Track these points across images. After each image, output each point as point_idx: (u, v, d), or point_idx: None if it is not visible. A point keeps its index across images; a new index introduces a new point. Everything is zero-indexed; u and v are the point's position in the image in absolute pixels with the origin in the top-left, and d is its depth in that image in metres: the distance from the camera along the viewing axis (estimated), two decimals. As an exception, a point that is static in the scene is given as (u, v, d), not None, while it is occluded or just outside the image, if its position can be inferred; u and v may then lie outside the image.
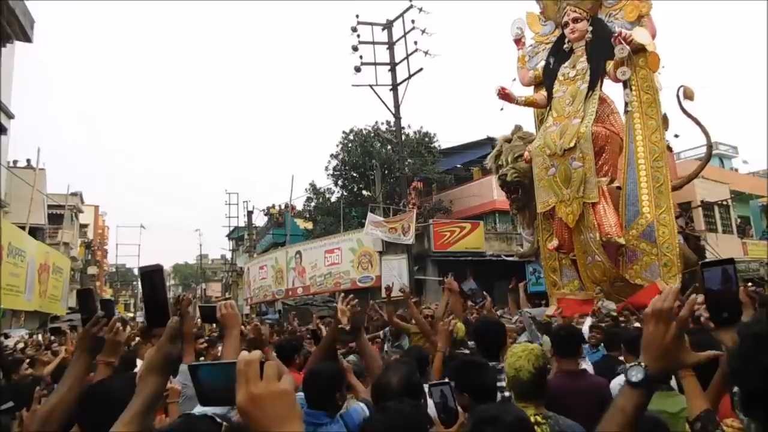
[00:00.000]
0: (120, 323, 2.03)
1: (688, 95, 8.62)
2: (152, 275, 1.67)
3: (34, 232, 22.44)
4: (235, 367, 0.99)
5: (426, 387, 2.34)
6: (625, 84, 8.63)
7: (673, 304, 1.30)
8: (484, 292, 3.94)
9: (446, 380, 2.19)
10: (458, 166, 25.51)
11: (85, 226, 38.35)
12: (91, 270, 37.48)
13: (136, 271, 56.17)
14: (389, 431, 1.74)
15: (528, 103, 9.88)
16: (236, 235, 37.41)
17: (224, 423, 1.25)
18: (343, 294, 3.51)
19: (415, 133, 24.65)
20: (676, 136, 9.38)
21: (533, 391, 2.53)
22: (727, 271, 1.45)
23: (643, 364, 1.31)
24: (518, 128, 10.35)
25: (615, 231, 8.58)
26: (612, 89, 9.27)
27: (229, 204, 34.40)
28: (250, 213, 32.11)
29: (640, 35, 8.42)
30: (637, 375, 1.31)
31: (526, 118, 19.01)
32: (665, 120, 8.60)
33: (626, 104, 8.79)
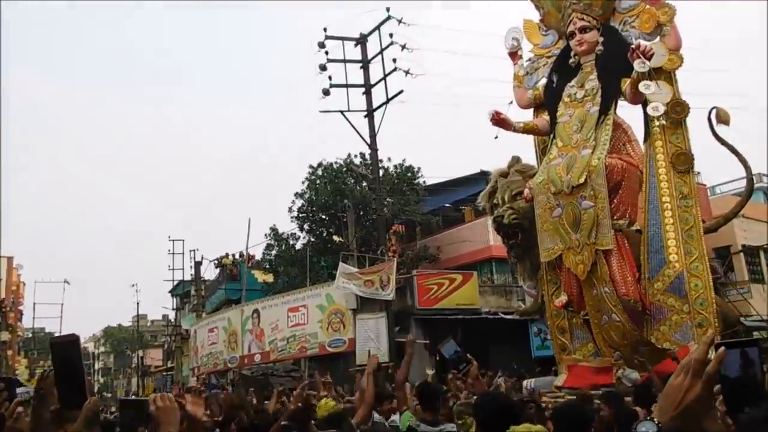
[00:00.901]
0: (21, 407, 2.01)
1: (723, 119, 8.59)
2: (66, 348, 1.71)
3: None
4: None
5: None
6: (645, 105, 8.57)
7: (706, 356, 1.34)
8: (468, 355, 3.75)
9: None
10: (447, 205, 25.58)
11: (-4, 281, 37.30)
12: (2, 336, 36.32)
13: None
14: None
15: (527, 129, 9.83)
16: (181, 291, 36.86)
17: None
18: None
19: (395, 167, 24.75)
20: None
21: None
22: (748, 354, 1.45)
23: (656, 419, 1.39)
24: (516, 160, 10.28)
25: (633, 291, 8.42)
26: (628, 113, 9.23)
27: (173, 253, 33.96)
28: (198, 264, 31.65)
29: (656, 55, 8.34)
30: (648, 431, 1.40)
31: (526, 148, 19.07)
32: (686, 158, 8.50)
33: (647, 129, 8.72)
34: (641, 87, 8.35)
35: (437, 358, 18.54)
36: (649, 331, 8.46)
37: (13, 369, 39.81)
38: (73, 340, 1.73)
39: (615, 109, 9.10)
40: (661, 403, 1.40)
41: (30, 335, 52.24)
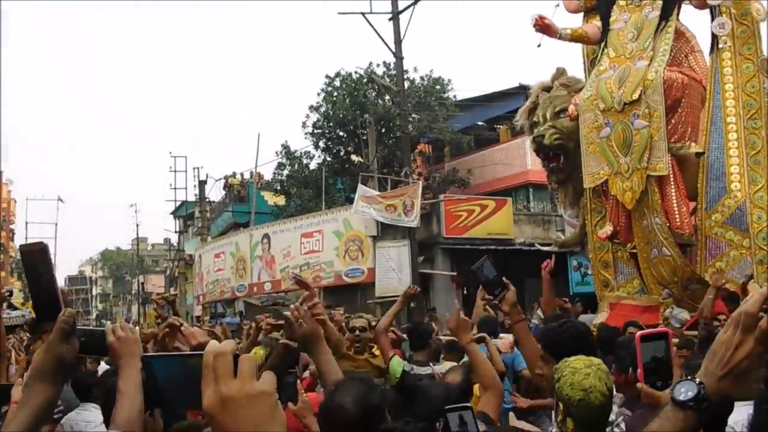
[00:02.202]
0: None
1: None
2: (32, 256, 1.76)
3: None
4: (201, 360, 1.02)
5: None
6: (713, 11, 8.30)
7: (760, 307, 1.32)
8: (504, 279, 3.70)
9: (467, 404, 2.35)
10: (480, 123, 25.34)
11: (-15, 198, 38.04)
12: (-7, 256, 37.27)
13: (52, 258, 56.13)
14: None
15: (575, 37, 9.58)
16: (184, 213, 37.31)
17: None
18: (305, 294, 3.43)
19: (422, 79, 24.50)
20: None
21: (604, 421, 2.59)
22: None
23: (698, 379, 1.34)
24: (561, 72, 10.12)
25: (687, 224, 8.39)
26: (693, 19, 8.98)
27: (175, 171, 34.08)
28: (202, 183, 31.84)
29: None
30: (687, 392, 1.33)
31: (573, 59, 18.66)
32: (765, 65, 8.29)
33: (714, 40, 8.46)
34: None
35: (464, 292, 18.80)
36: (704, 268, 8.45)
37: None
38: (42, 248, 1.77)
39: (677, 14, 8.84)
40: (706, 361, 1.37)
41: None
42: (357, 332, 5.44)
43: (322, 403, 2.48)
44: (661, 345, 1.85)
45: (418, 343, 5.58)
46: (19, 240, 49.10)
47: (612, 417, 2.87)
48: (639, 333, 1.88)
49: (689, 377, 1.36)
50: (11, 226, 45.84)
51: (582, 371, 2.58)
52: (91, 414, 4.42)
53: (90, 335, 2.27)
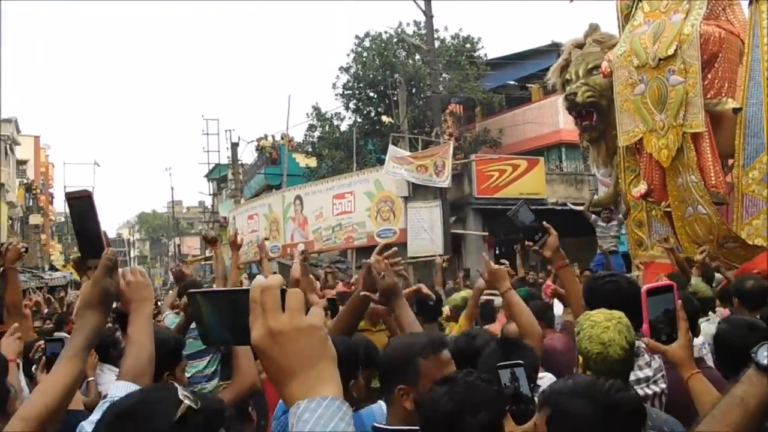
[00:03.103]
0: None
1: None
2: (81, 202, 1.93)
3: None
4: (248, 295, 1.03)
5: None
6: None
7: None
8: (545, 223, 3.60)
9: (519, 360, 2.34)
10: (511, 83, 25.07)
11: (24, 162, 38.81)
12: (34, 219, 38.14)
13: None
14: (459, 409, 1.87)
15: None
16: (217, 175, 37.62)
17: (186, 400, 1.25)
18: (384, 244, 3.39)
19: (452, 38, 24.32)
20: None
21: (624, 375, 2.52)
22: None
23: None
24: (594, 28, 10.05)
25: (721, 183, 8.29)
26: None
27: (208, 134, 34.30)
28: (234, 146, 32.03)
29: None
30: None
31: (606, 15, 18.31)
32: None
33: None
34: None
35: (496, 251, 18.80)
36: (740, 226, 8.30)
37: (48, 254, 42.07)
38: (87, 194, 1.95)
39: (715, -36, 8.64)
40: None
41: (62, 219, 54.66)
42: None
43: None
44: (668, 298, 1.85)
45: (430, 315, 5.52)
46: (58, 204, 50.08)
47: (648, 372, 2.86)
48: (645, 287, 1.88)
49: None
50: (50, 190, 46.69)
51: (601, 324, 2.56)
52: (105, 376, 4.22)
53: (92, 237, 2.29)
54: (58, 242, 51.23)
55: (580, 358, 2.61)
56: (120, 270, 2.08)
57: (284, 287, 1.03)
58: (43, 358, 3.23)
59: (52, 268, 33.78)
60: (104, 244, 1.91)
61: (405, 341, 2.49)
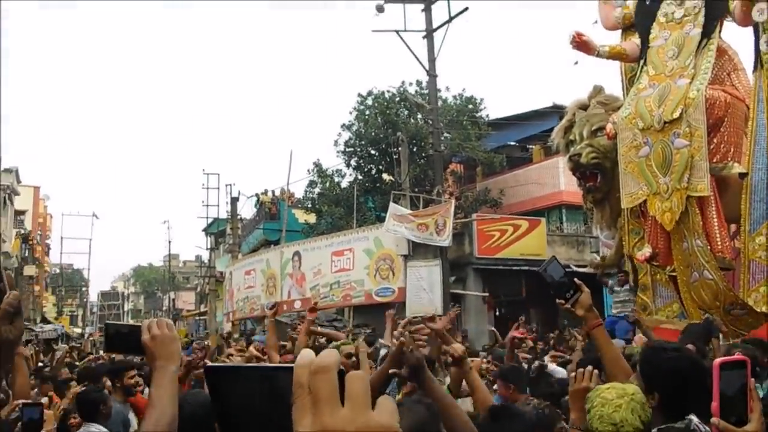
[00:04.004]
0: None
1: None
2: None
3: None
4: (290, 376, 0.77)
5: None
6: (758, 28, 8.11)
7: None
8: (576, 280, 3.44)
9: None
10: (512, 143, 25.21)
11: (22, 212, 38.78)
12: (29, 270, 37.88)
13: (85, 273, 56.82)
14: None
15: (613, 54, 9.48)
16: (215, 230, 37.57)
17: None
18: (418, 318, 3.41)
19: (455, 98, 24.54)
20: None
21: None
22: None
23: None
24: (598, 90, 10.07)
25: (727, 249, 8.21)
26: (735, 36, 8.76)
27: (207, 188, 34.29)
28: (234, 200, 32.05)
29: None
30: None
31: (611, 78, 18.52)
32: None
33: (757, 58, 8.26)
34: (754, 14, 7.91)
35: (496, 314, 18.58)
36: (747, 292, 8.18)
37: (41, 306, 41.70)
38: None
39: (720, 31, 8.68)
40: None
41: (57, 271, 54.41)
42: (353, 358, 5.45)
43: None
44: (741, 374, 1.70)
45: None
46: (54, 255, 49.93)
47: None
48: (718, 360, 1.72)
49: None
50: (47, 241, 46.56)
51: (613, 402, 2.45)
52: None
53: (120, 331, 2.09)
54: (51, 294, 50.86)
55: None
56: (145, 322, 1.93)
57: (342, 369, 0.78)
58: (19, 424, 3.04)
59: (44, 321, 33.43)
60: (5, 288, 1.72)
61: None
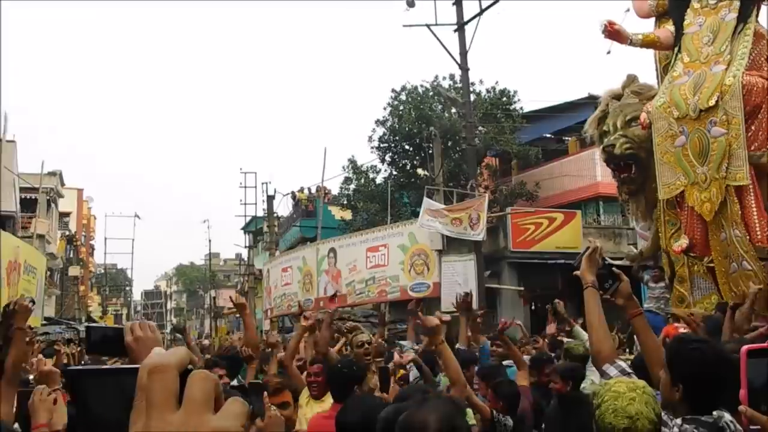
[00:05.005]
0: None
1: None
2: None
3: (2, 220, 23.11)
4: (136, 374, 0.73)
5: None
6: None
7: None
8: (614, 269, 3.44)
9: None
10: (547, 135, 25.03)
11: (66, 214, 39.64)
12: (74, 271, 38.68)
13: (129, 273, 57.83)
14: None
15: (647, 42, 9.40)
16: (254, 228, 37.95)
17: None
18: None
19: (488, 91, 24.43)
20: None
21: None
22: None
23: None
24: (632, 79, 10.02)
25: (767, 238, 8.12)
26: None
27: (245, 187, 34.75)
28: (270, 198, 32.32)
29: None
30: None
31: (645, 66, 18.20)
32: None
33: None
34: None
35: (531, 308, 18.40)
36: (788, 283, 8.07)
37: (86, 305, 42.57)
38: None
39: (757, 15, 8.54)
40: None
41: (102, 271, 55.47)
42: (365, 346, 5.49)
43: (402, 418, 2.24)
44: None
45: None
46: (98, 255, 50.94)
47: None
48: (745, 347, 1.68)
49: None
50: (91, 242, 47.50)
51: (626, 395, 2.42)
52: None
53: (103, 334, 2.07)
54: (96, 294, 51.91)
55: None
56: (127, 324, 1.92)
57: (190, 367, 0.73)
58: None
59: (90, 320, 34.08)
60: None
61: None
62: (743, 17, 8.46)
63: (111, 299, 58.26)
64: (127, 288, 63.59)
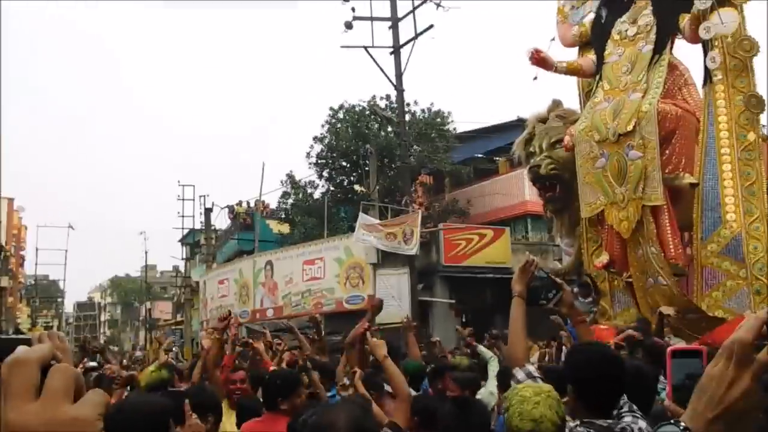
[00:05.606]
0: None
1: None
2: None
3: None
4: None
5: None
6: (706, 45, 8.26)
7: (757, 335, 1.08)
8: (558, 280, 3.55)
9: None
10: (479, 155, 25.29)
11: (-4, 224, 37.96)
12: (2, 282, 37.11)
13: (61, 284, 55.85)
14: None
15: (570, 70, 9.69)
16: (191, 240, 37.17)
17: None
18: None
19: (422, 111, 24.51)
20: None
21: None
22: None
23: (683, 423, 1.13)
24: (557, 104, 10.20)
25: (680, 256, 8.42)
26: (686, 52, 9.01)
27: (183, 199, 33.99)
28: (208, 211, 31.75)
29: None
30: None
31: (568, 92, 18.70)
32: (758, 101, 8.19)
33: (707, 73, 8.42)
34: (701, 32, 8.08)
35: (462, 320, 18.58)
36: (700, 297, 8.34)
37: (14, 317, 40.90)
38: None
39: (671, 48, 8.87)
40: (693, 401, 1.14)
41: (32, 282, 53.39)
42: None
43: (312, 420, 2.24)
44: (695, 363, 1.65)
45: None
46: (29, 266, 49.03)
47: None
48: (671, 348, 1.71)
49: (673, 420, 1.15)
50: (21, 252, 45.72)
51: (531, 399, 2.46)
52: None
53: (5, 343, 2.03)
54: (26, 305, 49.92)
55: None
56: (36, 333, 1.90)
57: (53, 362, 0.74)
58: None
59: (17, 332, 32.73)
60: None
61: None
62: (659, 49, 8.72)
63: (42, 311, 56.01)
64: (59, 299, 61.34)
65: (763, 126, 8.50)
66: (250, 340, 8.16)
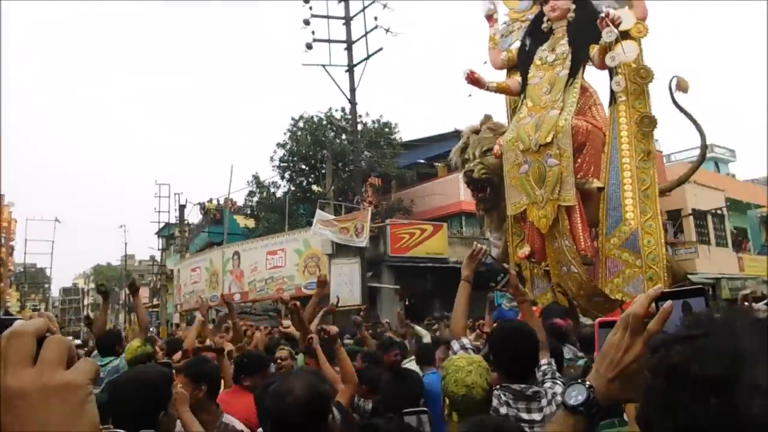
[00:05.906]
0: None
1: (683, 87, 8.50)
2: None
3: None
4: None
5: None
6: (612, 71, 8.46)
7: (647, 309, 1.10)
8: (505, 265, 3.58)
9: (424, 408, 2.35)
10: (421, 161, 25.47)
11: (-13, 218, 36.56)
12: (-7, 268, 35.79)
13: (48, 272, 54.16)
14: None
15: (499, 89, 9.69)
16: (167, 233, 36.47)
17: None
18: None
19: (373, 122, 24.53)
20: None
21: (486, 413, 2.44)
22: (691, 306, 1.13)
23: (588, 382, 1.15)
24: (488, 118, 10.16)
25: (589, 248, 8.51)
26: (595, 77, 9.12)
27: (159, 197, 33.39)
28: (182, 207, 31.23)
29: (624, 20, 8.25)
30: (577, 397, 1.15)
31: (498, 107, 18.98)
32: (650, 121, 8.44)
33: (612, 95, 8.63)
34: (607, 60, 8.23)
35: (406, 303, 18.72)
36: (604, 283, 8.51)
37: (4, 301, 39.47)
38: None
39: (583, 73, 8.98)
40: (596, 364, 1.17)
41: (21, 270, 51.61)
42: (279, 361, 4.90)
43: (272, 387, 2.21)
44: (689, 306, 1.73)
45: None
46: (18, 255, 47.36)
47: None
48: (598, 320, 1.71)
49: (579, 380, 1.18)
50: (11, 243, 44.13)
51: (464, 368, 2.50)
52: None
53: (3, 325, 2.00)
54: (15, 290, 48.22)
55: (446, 400, 2.52)
56: (27, 315, 1.90)
57: (45, 333, 0.71)
58: None
59: (7, 314, 31.63)
60: None
61: None
62: (573, 73, 8.80)
63: (30, 295, 54.19)
64: (45, 285, 59.37)
65: (656, 140, 8.74)
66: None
